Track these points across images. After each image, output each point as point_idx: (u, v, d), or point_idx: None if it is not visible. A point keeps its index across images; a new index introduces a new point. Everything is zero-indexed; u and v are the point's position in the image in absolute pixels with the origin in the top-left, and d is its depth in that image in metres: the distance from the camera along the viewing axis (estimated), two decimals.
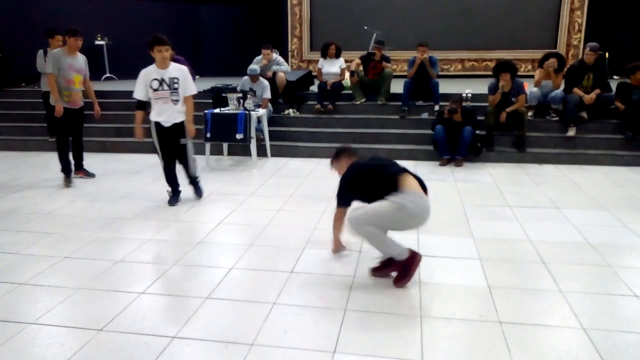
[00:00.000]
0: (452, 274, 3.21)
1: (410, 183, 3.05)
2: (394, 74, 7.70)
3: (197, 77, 11.01)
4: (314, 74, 8.34)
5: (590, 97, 6.44)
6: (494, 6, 10.14)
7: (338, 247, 3.52)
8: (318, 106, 7.41)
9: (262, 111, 6.57)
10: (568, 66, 7.08)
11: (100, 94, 8.35)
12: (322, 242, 3.76)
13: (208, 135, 6.21)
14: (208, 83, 8.15)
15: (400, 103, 7.22)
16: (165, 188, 4.83)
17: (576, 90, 6.55)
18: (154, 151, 4.78)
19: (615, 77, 8.52)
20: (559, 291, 2.95)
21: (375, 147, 6.72)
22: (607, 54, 8.72)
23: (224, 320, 2.68)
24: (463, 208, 4.52)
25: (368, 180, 3.14)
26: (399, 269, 3.07)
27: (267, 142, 6.76)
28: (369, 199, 3.09)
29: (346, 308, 2.78)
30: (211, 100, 7.24)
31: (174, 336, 2.52)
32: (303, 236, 3.88)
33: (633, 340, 2.45)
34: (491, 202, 4.70)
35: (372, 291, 2.99)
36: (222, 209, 4.57)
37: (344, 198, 3.27)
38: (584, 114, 6.55)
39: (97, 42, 10.80)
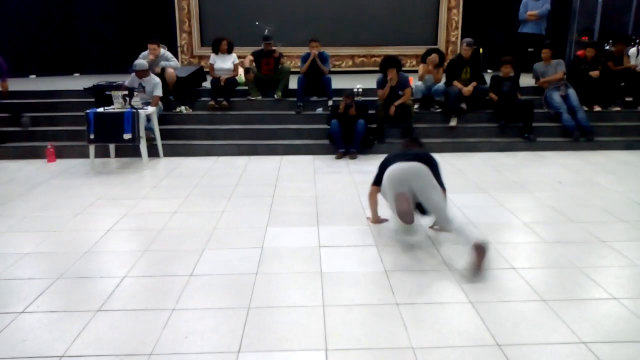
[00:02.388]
0: (352, 261, 3.31)
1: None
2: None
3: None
4: (205, 70, 8.11)
5: (468, 89, 6.99)
6: (380, 4, 10.56)
7: (376, 219, 3.99)
8: (212, 103, 7.22)
9: (151, 109, 6.24)
10: (448, 61, 7.60)
11: None
12: (222, 242, 3.67)
13: (92, 136, 5.76)
14: (89, 81, 7.57)
15: (295, 99, 7.28)
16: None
17: (456, 83, 7.07)
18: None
19: (489, 70, 9.32)
20: (448, 270, 3.16)
21: (273, 143, 6.72)
22: (481, 50, 9.50)
23: (119, 332, 2.51)
24: (359, 198, 4.67)
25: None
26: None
27: (159, 142, 6.44)
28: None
29: (249, 306, 2.75)
30: (93, 100, 6.74)
31: (61, 355, 2.30)
32: (202, 237, 3.76)
33: (512, 307, 2.70)
34: None
35: (275, 287, 2.98)
36: (111, 215, 4.27)
37: (375, 178, 3.82)
38: (464, 105, 7.09)
39: None
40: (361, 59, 10.73)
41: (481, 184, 5.15)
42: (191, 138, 6.85)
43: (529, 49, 8.03)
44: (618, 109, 7.33)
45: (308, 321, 2.58)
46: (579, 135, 6.77)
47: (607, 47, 8.48)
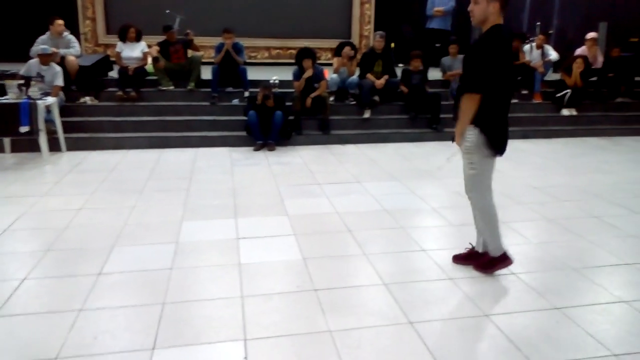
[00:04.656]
0: (270, 251, 3.31)
1: None
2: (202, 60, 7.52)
3: None
4: (112, 58, 7.67)
5: (380, 82, 7.21)
6: None
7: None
8: (120, 93, 6.83)
9: (51, 99, 5.79)
10: (361, 54, 7.79)
11: None
12: (133, 239, 3.51)
13: None
14: None
15: (209, 89, 7.11)
16: None
17: (369, 75, 7.27)
18: None
19: (400, 65, 9.68)
20: (363, 254, 3.27)
21: (187, 135, 6.52)
22: (392, 44, 9.84)
23: (18, 338, 2.32)
24: (277, 189, 4.68)
25: None
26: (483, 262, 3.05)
27: (61, 135, 6.00)
28: None
29: (164, 302, 2.66)
30: None
31: None
32: (111, 234, 3.56)
33: (422, 287, 2.86)
34: (302, 182, 4.96)
35: (192, 281, 2.91)
36: (8, 214, 3.92)
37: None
38: (377, 98, 7.31)
39: None
40: (277, 50, 10.68)
41: (393, 172, 5.35)
42: (97, 130, 6.45)
43: (436, 45, 8.44)
44: (516, 101, 7.93)
45: (226, 313, 2.55)
46: None
47: None
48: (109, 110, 6.79)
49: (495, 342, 2.35)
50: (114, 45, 7.60)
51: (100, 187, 4.68)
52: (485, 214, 2.94)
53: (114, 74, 7.35)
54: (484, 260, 3.03)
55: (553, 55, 8.24)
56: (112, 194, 4.51)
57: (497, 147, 2.81)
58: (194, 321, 2.48)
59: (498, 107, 2.77)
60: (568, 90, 7.79)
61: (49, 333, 2.37)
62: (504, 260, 2.99)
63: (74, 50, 6.81)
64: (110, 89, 7.02)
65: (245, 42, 7.88)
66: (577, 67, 7.79)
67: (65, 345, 2.27)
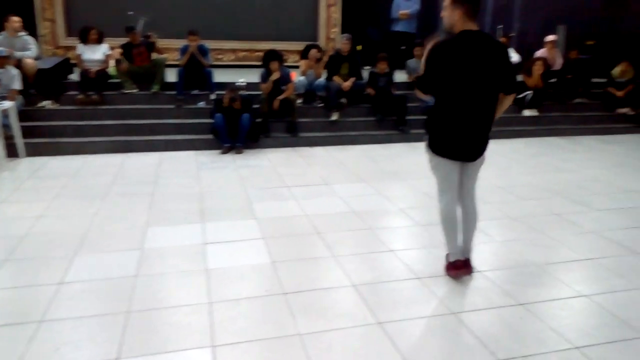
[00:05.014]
0: (239, 256, 3.27)
1: None
2: (166, 62, 7.40)
3: None
4: (73, 61, 7.45)
5: (347, 85, 7.25)
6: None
7: None
8: (81, 96, 6.64)
9: (7, 104, 5.58)
10: (327, 56, 7.82)
11: None
12: (96, 246, 3.41)
13: None
14: None
15: (175, 92, 6.99)
16: None
17: (336, 78, 7.30)
18: None
19: (366, 67, 9.76)
20: (332, 257, 3.27)
21: (152, 139, 6.39)
22: (359, 47, 9.90)
23: None
24: (245, 192, 4.64)
25: None
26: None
27: (19, 140, 5.77)
28: None
29: (129, 310, 2.59)
30: None
31: None
32: (72, 242, 3.45)
33: (391, 287, 2.88)
34: (271, 185, 4.93)
35: (157, 288, 2.84)
36: None
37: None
38: (344, 100, 7.34)
39: None
40: (244, 53, 10.61)
41: (361, 174, 5.38)
42: (58, 135, 6.24)
43: (402, 47, 8.56)
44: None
45: (193, 320, 2.51)
46: None
47: None
48: (69, 114, 6.59)
49: (463, 339, 2.38)
50: (74, 48, 7.39)
51: (61, 194, 4.53)
52: (440, 216, 2.98)
53: (75, 76, 7.14)
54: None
55: (514, 57, 8.47)
56: (73, 200, 4.37)
57: (436, 149, 2.91)
58: (160, 329, 2.43)
59: (445, 111, 2.84)
60: (529, 92, 8.02)
61: (7, 346, 2.27)
62: (453, 268, 2.98)
63: (30, 52, 6.58)
64: (71, 92, 6.81)
65: (211, 44, 7.78)
66: (537, 69, 8.02)
67: (25, 359, 2.18)
